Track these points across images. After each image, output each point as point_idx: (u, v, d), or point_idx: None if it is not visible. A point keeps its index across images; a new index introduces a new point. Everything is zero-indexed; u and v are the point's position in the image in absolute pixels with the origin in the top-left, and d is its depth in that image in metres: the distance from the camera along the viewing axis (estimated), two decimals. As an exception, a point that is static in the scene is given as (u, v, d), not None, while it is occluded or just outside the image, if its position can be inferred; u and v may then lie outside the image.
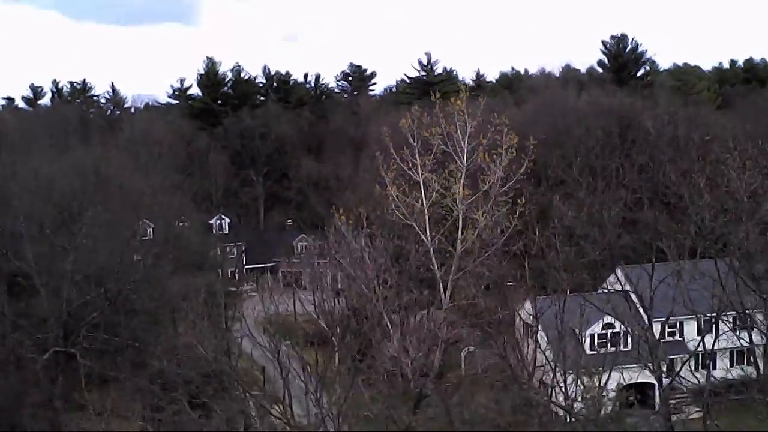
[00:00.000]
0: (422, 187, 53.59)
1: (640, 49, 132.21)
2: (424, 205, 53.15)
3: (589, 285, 60.54)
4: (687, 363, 60.74)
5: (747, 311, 44.80)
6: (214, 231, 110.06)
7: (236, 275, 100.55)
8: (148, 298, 69.00)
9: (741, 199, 35.64)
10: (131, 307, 68.95)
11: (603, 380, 50.33)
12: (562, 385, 50.05)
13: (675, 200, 43.87)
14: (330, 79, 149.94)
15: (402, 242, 53.92)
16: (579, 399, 48.26)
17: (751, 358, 65.78)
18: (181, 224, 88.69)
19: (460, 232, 52.36)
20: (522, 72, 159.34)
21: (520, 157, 54.16)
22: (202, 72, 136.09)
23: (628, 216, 46.98)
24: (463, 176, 52.78)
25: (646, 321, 50.35)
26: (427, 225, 52.93)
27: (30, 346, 66.75)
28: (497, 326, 56.16)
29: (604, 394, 49.75)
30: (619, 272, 61.98)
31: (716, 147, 43.27)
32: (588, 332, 61.00)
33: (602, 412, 44.31)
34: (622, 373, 54.28)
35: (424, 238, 52.84)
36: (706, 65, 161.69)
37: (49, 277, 67.69)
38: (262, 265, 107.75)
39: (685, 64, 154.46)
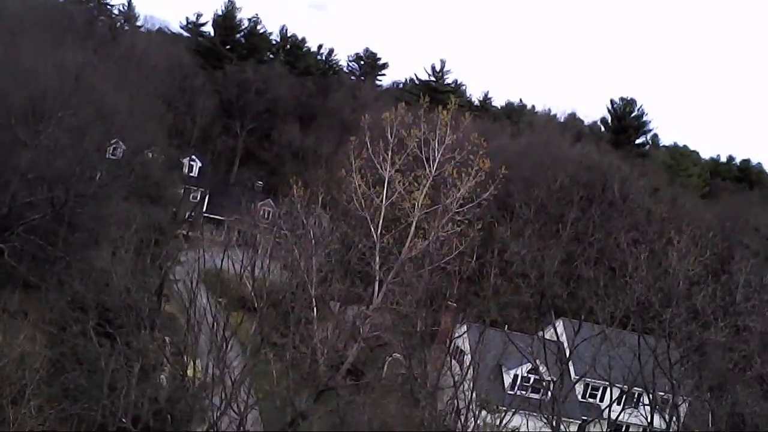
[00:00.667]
0: (386, 183, 53.12)
1: (644, 118, 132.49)
2: (383, 201, 52.69)
3: (525, 327, 60.68)
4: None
5: (654, 392, 45.07)
6: (184, 170, 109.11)
7: (192, 219, 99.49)
8: (93, 216, 68.07)
9: (677, 283, 35.50)
10: (74, 221, 68.02)
11: (505, 420, 50.41)
12: (469, 413, 50.11)
13: (618, 267, 43.76)
14: (342, 58, 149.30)
15: (350, 231, 53.49)
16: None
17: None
18: (150, 153, 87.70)
19: (409, 239, 51.96)
20: (528, 107, 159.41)
21: (487, 183, 53.85)
22: (220, 12, 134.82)
23: (568, 271, 46.90)
24: (427, 185, 52.37)
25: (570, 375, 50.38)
26: (380, 222, 52.50)
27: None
28: (424, 340, 56.08)
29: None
30: (560, 323, 62.13)
31: (671, 227, 43.12)
32: (513, 372, 60.99)
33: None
34: (527, 421, 54.35)
35: (373, 234, 52.39)
36: (704, 153, 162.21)
37: (2, 167, 66.66)
38: (221, 218, 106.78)
39: (685, 146, 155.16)
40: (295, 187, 53.31)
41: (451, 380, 55.47)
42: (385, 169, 53.41)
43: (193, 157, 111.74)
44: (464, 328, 60.95)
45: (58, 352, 44.71)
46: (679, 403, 35.75)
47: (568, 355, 44.24)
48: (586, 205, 74.97)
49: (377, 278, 52.08)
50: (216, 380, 44.98)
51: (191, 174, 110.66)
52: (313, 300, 50.68)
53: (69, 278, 54.63)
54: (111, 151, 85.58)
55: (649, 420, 44.89)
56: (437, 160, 52.98)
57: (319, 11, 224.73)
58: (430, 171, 52.77)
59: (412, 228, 52.15)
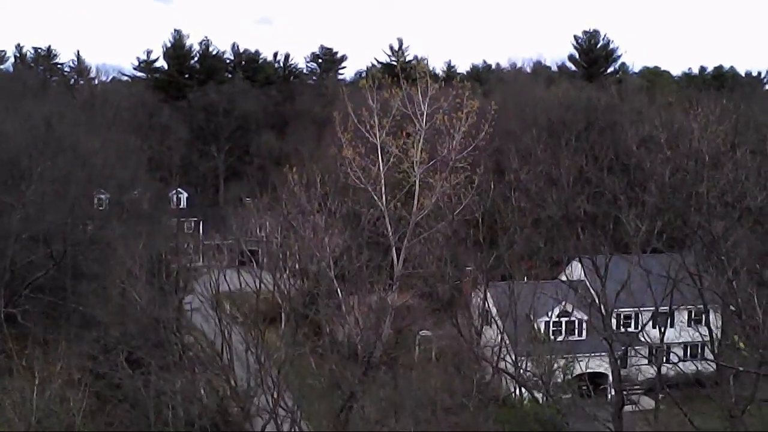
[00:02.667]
0: (379, 150, 52.14)
1: (611, 46, 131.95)
2: (381, 169, 51.73)
3: (545, 272, 59.84)
4: (640, 355, 60.49)
5: (701, 306, 44.30)
6: (172, 204, 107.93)
7: (191, 249, 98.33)
8: (96, 261, 67.00)
9: (702, 158, 34.47)
10: (78, 270, 66.94)
11: (555, 365, 49.57)
12: (513, 366, 49.40)
13: (634, 167, 42.76)
14: (300, 61, 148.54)
15: (356, 206, 52.57)
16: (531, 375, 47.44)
17: (704, 352, 65.56)
18: (135, 192, 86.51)
19: (416, 198, 50.99)
20: (493, 66, 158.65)
21: (480, 123, 52.93)
22: (169, 44, 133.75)
23: (585, 184, 45.90)
24: (421, 139, 51.44)
25: (602, 311, 49.52)
26: (383, 190, 51.53)
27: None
28: (451, 308, 55.21)
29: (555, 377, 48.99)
30: (576, 263, 61.30)
31: (679, 112, 42.05)
32: (543, 320, 60.20)
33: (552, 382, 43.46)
34: (576, 362, 53.56)
35: (379, 203, 51.43)
36: (676, 70, 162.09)
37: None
38: (219, 242, 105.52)
39: (656, 67, 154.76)
40: (289, 173, 52.34)
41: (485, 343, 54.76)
42: (376, 136, 52.41)
43: (179, 189, 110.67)
44: (494, 289, 60.40)
45: (99, 385, 43.74)
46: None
47: (602, 290, 43.04)
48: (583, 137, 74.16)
49: (393, 246, 51.04)
50: (259, 381, 44.23)
51: (180, 206, 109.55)
52: (335, 281, 49.64)
53: (86, 324, 53.78)
54: (96, 202, 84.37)
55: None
56: (425, 113, 52.03)
57: (266, 25, 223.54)
58: (420, 126, 51.82)
59: (416, 187, 51.15)
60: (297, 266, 59.28)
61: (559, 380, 46.63)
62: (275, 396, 42.84)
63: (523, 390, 46.94)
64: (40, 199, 68.39)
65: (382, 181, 51.40)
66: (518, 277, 55.47)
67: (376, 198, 51.61)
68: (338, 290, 50.00)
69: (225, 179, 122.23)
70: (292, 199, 51.97)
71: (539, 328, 52.20)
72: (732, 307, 34.34)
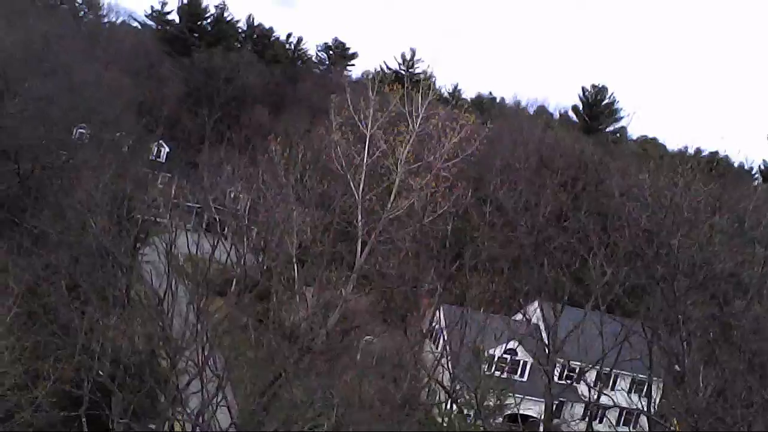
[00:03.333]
0: (367, 140, 51.73)
1: (615, 105, 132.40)
2: (365, 159, 51.32)
3: (501, 301, 59.62)
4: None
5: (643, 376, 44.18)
6: (152, 156, 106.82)
7: (160, 203, 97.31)
8: (61, 189, 65.93)
9: (680, 213, 34.31)
10: (41, 194, 65.93)
11: (490, 390, 49.40)
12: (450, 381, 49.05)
13: (613, 215, 42.61)
14: (311, 48, 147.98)
15: (332, 191, 52.15)
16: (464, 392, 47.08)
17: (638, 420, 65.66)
18: (118, 134, 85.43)
19: (393, 196, 50.63)
20: (497, 99, 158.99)
21: (472, 138, 52.76)
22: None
23: (561, 219, 45.76)
24: (411, 140, 51.11)
25: (549, 348, 49.48)
26: (362, 180, 51.10)
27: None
28: (403, 313, 54.92)
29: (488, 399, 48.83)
30: (536, 304, 61.14)
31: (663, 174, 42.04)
32: (490, 351, 60.03)
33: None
34: (512, 398, 53.41)
35: (355, 193, 50.98)
36: (671, 145, 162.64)
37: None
38: (190, 204, 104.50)
39: (654, 138, 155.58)
40: (274, 143, 51.79)
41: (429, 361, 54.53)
42: (367, 125, 52.01)
43: (161, 142, 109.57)
44: (447, 311, 60.18)
45: (28, 310, 42.71)
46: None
47: (551, 337, 43.03)
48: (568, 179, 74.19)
49: (359, 238, 50.60)
50: (193, 337, 43.51)
51: (159, 159, 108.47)
52: (294, 264, 49.14)
53: (36, 244, 52.70)
54: (75, 134, 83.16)
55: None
56: (420, 115, 51.74)
57: (287, 7, 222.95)
58: (413, 127, 51.54)
59: (395, 185, 50.79)
60: (260, 240, 58.69)
61: (491, 403, 46.33)
62: (205, 354, 42.11)
63: (454, 406, 46.54)
64: (21, 114, 67.37)
65: (364, 171, 50.97)
66: (473, 300, 55.20)
67: (353, 187, 51.15)
68: (296, 271, 49.42)
69: (209, 143, 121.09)
70: (270, 167, 51.38)
71: (484, 353, 51.98)
72: (677, 367, 34.23)
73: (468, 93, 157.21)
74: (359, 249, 50.81)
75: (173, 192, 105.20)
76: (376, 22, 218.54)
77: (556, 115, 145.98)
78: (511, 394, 49.50)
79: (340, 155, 51.56)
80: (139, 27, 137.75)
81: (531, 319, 57.84)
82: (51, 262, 47.24)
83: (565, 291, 39.81)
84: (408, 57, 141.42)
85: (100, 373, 38.22)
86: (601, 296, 42.48)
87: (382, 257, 51.25)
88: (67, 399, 38.57)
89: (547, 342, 49.26)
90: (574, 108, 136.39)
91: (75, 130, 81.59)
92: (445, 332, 58.55)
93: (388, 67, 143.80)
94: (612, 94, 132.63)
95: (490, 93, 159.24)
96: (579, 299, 47.75)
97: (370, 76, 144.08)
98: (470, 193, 48.34)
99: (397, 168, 50.86)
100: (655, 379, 46.91)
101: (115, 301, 42.03)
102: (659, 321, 36.83)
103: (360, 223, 50.80)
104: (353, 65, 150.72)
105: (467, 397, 44.12)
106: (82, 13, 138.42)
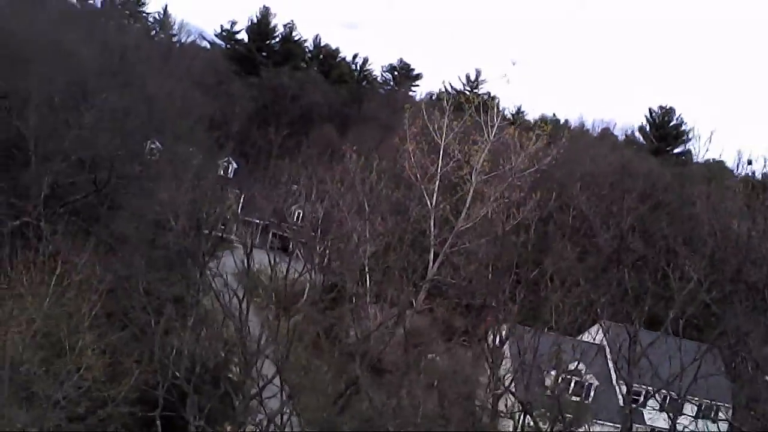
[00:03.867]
0: (441, 150, 51.56)
1: (683, 127, 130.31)
2: (438, 169, 51.10)
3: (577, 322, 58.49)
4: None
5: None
6: (220, 171, 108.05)
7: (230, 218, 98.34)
8: (135, 196, 66.84)
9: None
10: (116, 203, 66.87)
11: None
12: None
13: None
14: (376, 68, 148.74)
15: (405, 200, 51.95)
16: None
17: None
18: (191, 149, 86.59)
19: (467, 206, 50.27)
20: (561, 121, 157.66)
21: (548, 148, 52.26)
22: (256, 19, 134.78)
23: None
24: (486, 149, 50.75)
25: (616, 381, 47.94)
26: (436, 190, 50.88)
27: (4, 212, 64.92)
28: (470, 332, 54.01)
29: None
30: (600, 326, 59.72)
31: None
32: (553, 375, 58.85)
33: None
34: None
35: (428, 202, 50.76)
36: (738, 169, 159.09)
37: (45, 148, 65.87)
38: (257, 221, 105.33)
39: (721, 161, 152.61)
40: (349, 151, 51.92)
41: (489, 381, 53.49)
42: (442, 137, 51.85)
43: (230, 159, 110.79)
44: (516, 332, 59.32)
45: (107, 311, 43.22)
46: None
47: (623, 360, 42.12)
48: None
49: (432, 248, 50.30)
50: (267, 346, 43.81)
51: (228, 175, 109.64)
52: (366, 274, 48.86)
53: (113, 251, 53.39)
54: (148, 146, 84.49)
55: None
56: (496, 125, 51.40)
57: (351, 30, 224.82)
58: (489, 137, 51.19)
59: (470, 194, 50.43)
60: (333, 249, 58.46)
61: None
62: (282, 358, 42.32)
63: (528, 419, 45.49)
64: (97, 124, 68.68)
65: (437, 181, 50.74)
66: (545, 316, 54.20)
67: (426, 196, 50.94)
68: (367, 282, 49.07)
69: (276, 161, 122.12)
70: (345, 176, 51.50)
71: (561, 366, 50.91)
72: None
73: (531, 115, 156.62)
74: (431, 259, 50.51)
75: (240, 207, 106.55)
76: (440, 44, 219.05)
77: (621, 137, 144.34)
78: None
79: (414, 165, 51.44)
80: (209, 46, 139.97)
81: (602, 339, 56.65)
82: (129, 264, 47.84)
83: (645, 302, 38.84)
84: (473, 78, 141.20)
85: (177, 374, 38.42)
86: (681, 309, 41.53)
87: (454, 268, 50.75)
88: (143, 400, 38.85)
89: (626, 358, 47.65)
90: (641, 129, 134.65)
91: (147, 143, 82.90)
92: (510, 351, 57.66)
93: (452, 88, 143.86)
94: (680, 115, 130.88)
95: (554, 115, 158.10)
96: (657, 315, 46.70)
97: (443, 89, 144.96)
98: (552, 200, 47.52)
99: (471, 177, 50.54)
100: (722, 405, 45.63)
101: (191, 306, 42.31)
102: (736, 339, 35.84)
103: (433, 234, 50.53)
104: (417, 86, 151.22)
105: (542, 410, 43.25)
106: (154, 32, 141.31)
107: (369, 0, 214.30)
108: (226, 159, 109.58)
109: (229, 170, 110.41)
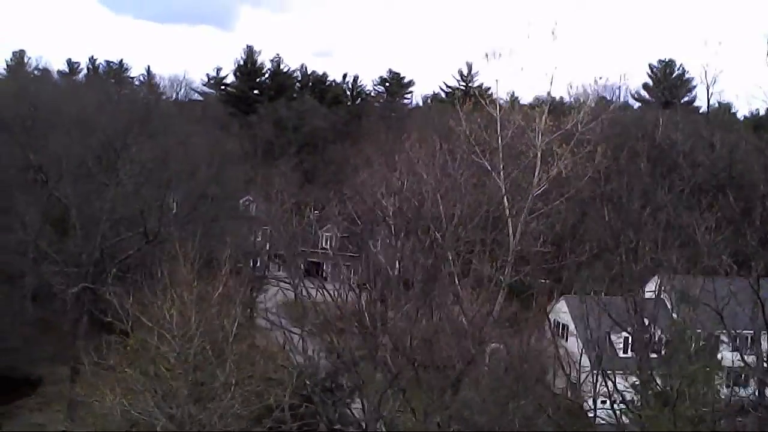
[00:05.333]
0: (498, 122, 51.05)
1: (686, 76, 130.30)
2: (500, 142, 50.59)
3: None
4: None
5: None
6: (241, 210, 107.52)
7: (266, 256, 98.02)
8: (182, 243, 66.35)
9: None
10: (165, 251, 66.36)
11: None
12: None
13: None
14: (367, 83, 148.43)
15: (472, 177, 51.43)
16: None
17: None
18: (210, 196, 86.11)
19: (537, 171, 49.68)
20: (557, 98, 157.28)
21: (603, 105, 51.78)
22: (241, 59, 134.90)
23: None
24: (547, 109, 50.27)
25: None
26: (501, 164, 50.32)
27: (61, 280, 64.54)
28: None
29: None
30: (656, 280, 58.12)
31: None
32: (622, 335, 57.50)
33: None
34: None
35: (497, 179, 50.20)
36: (743, 108, 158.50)
37: (86, 213, 65.64)
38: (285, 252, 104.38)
39: (728, 103, 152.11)
40: (407, 140, 51.47)
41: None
42: (495, 110, 51.34)
43: (249, 198, 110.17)
44: (572, 302, 58.17)
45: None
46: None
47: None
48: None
49: (509, 221, 49.62)
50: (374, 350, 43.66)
51: (250, 215, 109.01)
52: (450, 254, 48.06)
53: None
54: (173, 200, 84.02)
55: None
56: (551, 82, 50.74)
57: (325, 57, 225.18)
58: (546, 97, 50.67)
59: (538, 159, 49.84)
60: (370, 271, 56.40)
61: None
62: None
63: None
64: (132, 180, 68.61)
65: (500, 155, 50.19)
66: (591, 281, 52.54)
67: (494, 174, 50.36)
68: (451, 264, 48.31)
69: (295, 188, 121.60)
70: (408, 164, 50.91)
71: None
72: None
73: (525, 99, 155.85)
74: (510, 231, 49.82)
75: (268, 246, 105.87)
76: (423, 48, 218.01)
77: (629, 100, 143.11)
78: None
79: (473, 143, 50.92)
80: (200, 97, 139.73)
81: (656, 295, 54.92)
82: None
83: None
84: (465, 72, 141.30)
85: (306, 382, 38.81)
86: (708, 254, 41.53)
87: (534, 237, 50.06)
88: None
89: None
90: (645, 86, 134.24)
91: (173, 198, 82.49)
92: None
93: (447, 86, 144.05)
94: (681, 65, 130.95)
95: (548, 93, 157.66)
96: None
97: (430, 99, 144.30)
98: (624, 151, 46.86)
99: (537, 141, 50.01)
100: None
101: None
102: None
103: (507, 207, 49.95)
104: (411, 92, 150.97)
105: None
106: (142, 94, 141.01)
107: (336, 27, 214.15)
108: (245, 200, 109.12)
109: (251, 209, 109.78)
